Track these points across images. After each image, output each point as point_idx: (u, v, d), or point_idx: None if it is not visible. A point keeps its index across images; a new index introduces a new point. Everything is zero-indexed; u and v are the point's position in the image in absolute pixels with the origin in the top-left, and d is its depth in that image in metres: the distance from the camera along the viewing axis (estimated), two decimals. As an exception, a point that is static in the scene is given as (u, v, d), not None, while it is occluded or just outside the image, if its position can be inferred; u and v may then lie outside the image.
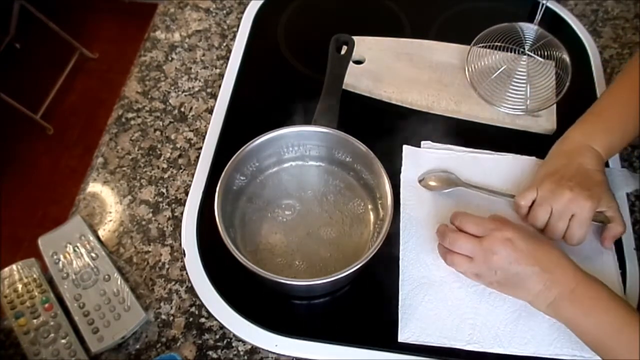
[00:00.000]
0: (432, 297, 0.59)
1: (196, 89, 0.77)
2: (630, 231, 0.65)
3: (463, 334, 0.57)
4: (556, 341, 0.57)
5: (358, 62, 0.77)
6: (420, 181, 0.67)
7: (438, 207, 0.65)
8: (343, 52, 0.69)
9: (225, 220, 0.55)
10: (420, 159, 0.69)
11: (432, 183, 0.66)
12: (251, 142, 0.60)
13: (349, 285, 0.60)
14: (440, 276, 0.60)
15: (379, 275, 0.60)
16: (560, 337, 0.57)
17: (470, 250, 0.54)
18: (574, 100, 0.72)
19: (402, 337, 0.57)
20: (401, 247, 0.62)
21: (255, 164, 0.63)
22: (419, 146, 0.70)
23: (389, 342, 0.57)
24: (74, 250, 0.61)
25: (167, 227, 0.65)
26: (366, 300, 0.60)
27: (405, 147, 0.69)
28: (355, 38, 0.70)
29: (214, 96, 0.76)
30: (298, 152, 0.65)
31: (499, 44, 0.73)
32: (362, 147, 0.60)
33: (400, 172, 0.67)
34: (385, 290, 0.60)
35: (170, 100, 0.76)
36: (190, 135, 0.72)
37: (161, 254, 0.63)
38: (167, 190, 0.68)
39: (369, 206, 0.63)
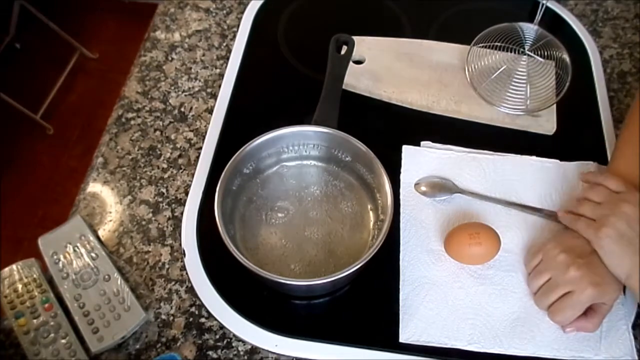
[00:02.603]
0: (433, 297, 0.59)
1: (196, 89, 0.77)
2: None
3: (464, 334, 0.57)
4: (554, 342, 0.57)
5: (358, 62, 0.77)
6: (415, 185, 0.67)
7: (438, 207, 0.65)
8: (343, 52, 0.69)
9: (225, 220, 0.55)
10: (420, 158, 0.69)
11: (426, 189, 0.66)
12: (251, 142, 0.60)
13: (349, 285, 0.60)
14: (440, 276, 0.60)
15: (379, 275, 0.60)
16: (560, 338, 0.57)
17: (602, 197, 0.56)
18: (574, 100, 0.73)
19: (403, 337, 0.57)
20: (401, 247, 0.62)
21: (255, 164, 0.63)
22: (419, 146, 0.70)
23: (390, 342, 0.57)
24: (74, 250, 0.61)
25: (167, 227, 0.65)
26: (366, 300, 0.60)
27: (404, 147, 0.69)
28: (355, 38, 0.70)
29: (214, 96, 0.76)
30: (298, 152, 0.65)
31: (499, 44, 0.73)
32: (362, 147, 0.60)
33: (400, 172, 0.67)
34: (386, 290, 0.60)
35: (170, 100, 0.76)
36: (190, 135, 0.72)
37: (161, 254, 0.63)
38: (167, 190, 0.68)
39: (369, 206, 0.63)
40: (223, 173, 0.58)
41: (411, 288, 0.60)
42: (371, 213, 0.63)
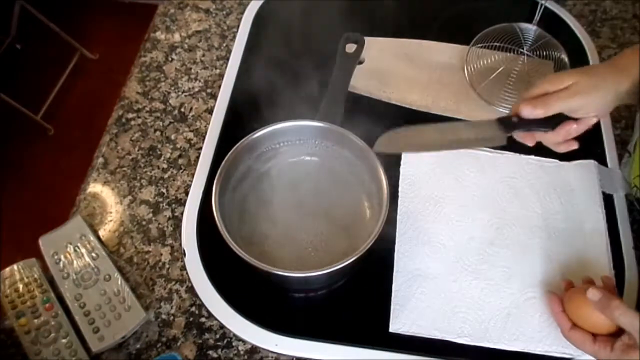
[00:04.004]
0: (425, 289, 0.60)
1: (196, 90, 0.77)
2: (629, 230, 0.65)
3: (454, 327, 0.57)
4: (545, 338, 0.57)
5: (358, 62, 0.77)
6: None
7: (436, 201, 0.65)
8: (351, 50, 0.70)
9: (223, 214, 0.56)
10: (420, 153, 0.69)
11: None
12: (249, 136, 0.60)
13: (347, 279, 0.61)
14: (434, 268, 0.61)
15: (376, 269, 0.61)
16: (550, 335, 0.57)
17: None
18: (573, 100, 0.73)
19: (394, 327, 0.57)
20: (397, 240, 0.62)
21: (253, 159, 0.63)
22: (418, 146, 0.70)
23: (382, 334, 0.57)
24: (75, 250, 0.61)
25: (167, 227, 0.65)
26: (364, 295, 0.60)
27: None
28: (354, 38, 0.70)
29: (214, 96, 0.76)
30: (295, 147, 0.65)
31: (498, 44, 0.73)
32: (359, 142, 0.60)
33: (397, 171, 0.68)
34: (383, 283, 0.60)
35: (170, 101, 0.76)
36: (190, 135, 0.73)
37: (161, 254, 0.63)
38: (167, 190, 0.68)
39: (365, 201, 0.63)
40: (221, 166, 0.58)
41: (404, 280, 0.60)
42: (368, 207, 0.63)
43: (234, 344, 0.58)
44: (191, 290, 0.61)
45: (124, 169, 0.70)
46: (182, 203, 0.67)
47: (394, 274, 0.60)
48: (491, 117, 0.72)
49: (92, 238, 0.62)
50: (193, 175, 0.68)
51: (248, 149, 0.61)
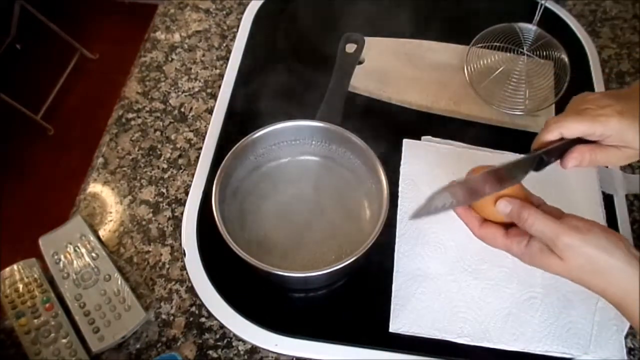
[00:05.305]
0: (425, 289, 0.60)
1: (196, 90, 0.77)
2: (629, 230, 0.65)
3: (454, 327, 0.58)
4: (545, 338, 0.57)
5: (358, 62, 0.77)
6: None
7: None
8: (351, 50, 0.70)
9: (223, 214, 0.56)
10: (420, 152, 0.69)
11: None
12: (249, 135, 0.60)
13: (346, 279, 0.61)
14: (434, 269, 0.61)
15: (376, 269, 0.61)
16: (550, 334, 0.57)
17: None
18: (573, 100, 0.73)
19: (394, 327, 0.57)
20: (397, 240, 0.62)
21: (253, 159, 0.63)
22: (419, 145, 0.70)
23: (382, 334, 0.57)
24: (75, 250, 0.61)
25: (167, 227, 0.65)
26: (363, 295, 0.60)
27: (405, 141, 0.70)
28: (354, 38, 0.70)
29: (214, 96, 0.76)
30: (295, 146, 0.65)
31: (498, 44, 0.73)
32: (359, 141, 0.60)
33: (397, 171, 0.68)
34: (383, 283, 0.60)
35: (170, 101, 0.76)
36: (190, 135, 0.73)
37: (161, 254, 0.63)
38: (167, 190, 0.68)
39: (365, 201, 0.63)
40: (221, 166, 0.58)
41: (405, 279, 0.60)
42: (367, 207, 0.63)
43: (234, 344, 0.58)
44: (191, 290, 0.61)
45: (124, 169, 0.70)
46: (182, 203, 0.67)
47: (394, 274, 0.60)
48: (491, 117, 0.73)
49: (92, 238, 0.62)
50: (193, 175, 0.68)
51: (248, 149, 0.61)
